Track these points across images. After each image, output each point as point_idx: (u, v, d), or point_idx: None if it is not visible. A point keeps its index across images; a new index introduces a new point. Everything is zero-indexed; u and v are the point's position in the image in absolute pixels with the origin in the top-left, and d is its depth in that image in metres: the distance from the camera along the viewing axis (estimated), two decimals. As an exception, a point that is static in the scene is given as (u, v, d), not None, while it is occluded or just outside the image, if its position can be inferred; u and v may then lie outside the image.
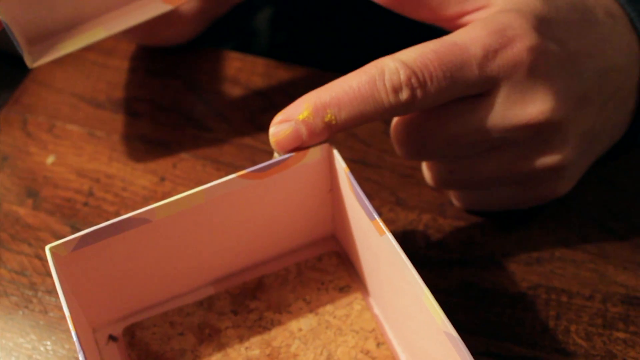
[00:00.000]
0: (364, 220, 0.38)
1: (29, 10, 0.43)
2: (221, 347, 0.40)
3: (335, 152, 0.39)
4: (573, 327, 0.41)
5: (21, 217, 0.47)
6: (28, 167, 0.50)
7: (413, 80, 0.37)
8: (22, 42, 0.43)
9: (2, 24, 0.42)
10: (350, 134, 0.50)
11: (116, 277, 0.39)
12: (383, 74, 0.37)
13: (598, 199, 0.46)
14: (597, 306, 0.42)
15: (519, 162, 0.40)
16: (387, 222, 0.46)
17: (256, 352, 0.40)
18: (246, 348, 0.40)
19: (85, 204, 0.48)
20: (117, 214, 0.47)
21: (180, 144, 0.50)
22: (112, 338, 0.41)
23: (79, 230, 0.44)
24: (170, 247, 0.40)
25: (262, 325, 0.41)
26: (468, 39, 0.37)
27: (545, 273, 0.43)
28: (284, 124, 0.38)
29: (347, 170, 0.38)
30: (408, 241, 0.45)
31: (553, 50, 0.38)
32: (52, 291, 0.44)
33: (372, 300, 0.42)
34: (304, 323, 0.41)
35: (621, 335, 0.41)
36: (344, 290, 0.42)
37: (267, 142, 0.38)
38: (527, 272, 0.44)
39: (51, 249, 0.36)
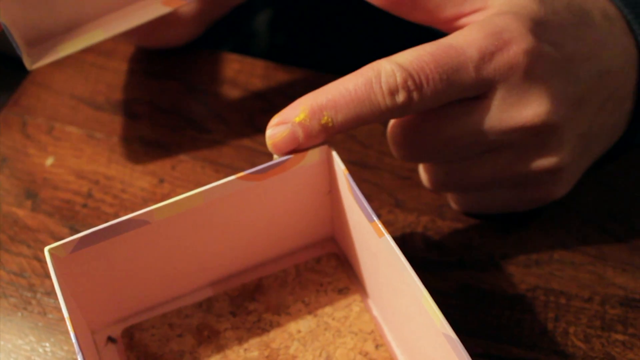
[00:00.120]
0: (363, 222, 0.38)
1: (28, 12, 0.43)
2: (220, 348, 0.40)
3: (334, 154, 0.39)
4: (572, 329, 0.41)
5: (20, 218, 0.47)
6: (27, 168, 0.50)
7: (409, 82, 0.37)
8: (21, 44, 0.43)
9: (2, 26, 0.42)
10: (349, 136, 0.50)
11: (115, 278, 0.39)
12: (379, 77, 0.37)
13: (597, 200, 0.46)
14: (595, 308, 0.42)
15: (516, 165, 0.40)
16: (386, 224, 0.46)
17: (255, 353, 0.40)
18: (245, 350, 0.40)
19: (84, 206, 0.48)
20: (116, 216, 0.47)
21: (179, 146, 0.50)
22: (110, 340, 0.41)
23: (78, 231, 0.44)
24: (169, 248, 0.40)
25: (261, 327, 0.41)
26: (464, 42, 0.37)
27: (544, 275, 0.43)
28: (280, 126, 0.38)
29: (346, 172, 0.38)
30: (407, 243, 0.45)
31: (549, 53, 0.38)
32: (51, 293, 0.44)
33: (371, 302, 0.42)
34: (302, 325, 0.41)
35: (620, 337, 0.41)
36: (342, 292, 0.42)
37: (266, 144, 0.38)
38: (525, 274, 0.44)
39: (50, 251, 0.36)
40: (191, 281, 0.42)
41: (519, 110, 0.38)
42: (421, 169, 0.44)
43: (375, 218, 0.36)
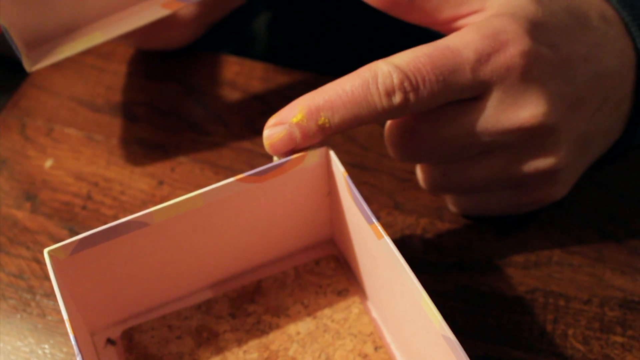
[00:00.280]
0: (362, 224, 0.38)
1: (28, 15, 0.43)
2: (219, 350, 0.40)
3: (334, 156, 0.39)
4: (571, 331, 0.41)
5: (19, 220, 0.47)
6: (26, 170, 0.50)
7: (406, 84, 0.37)
8: (20, 46, 0.43)
9: (1, 28, 0.42)
10: (348, 138, 0.50)
11: (114, 280, 0.39)
12: (376, 78, 0.37)
13: (595, 202, 0.46)
14: (594, 310, 0.42)
15: (512, 166, 0.40)
16: (385, 226, 0.46)
17: (254, 355, 0.40)
18: (244, 351, 0.40)
19: (84, 208, 0.48)
20: (116, 218, 0.47)
21: (178, 148, 0.50)
22: (110, 341, 0.41)
23: (77, 233, 0.44)
24: (168, 250, 0.40)
25: (260, 329, 0.41)
26: (461, 43, 0.38)
27: (543, 277, 0.44)
28: (277, 127, 0.38)
29: (346, 174, 0.38)
30: (406, 245, 0.45)
31: (546, 55, 0.38)
32: (50, 294, 0.44)
33: (370, 304, 0.42)
34: (302, 326, 0.41)
35: (619, 339, 0.41)
36: (342, 294, 0.42)
37: (265, 146, 0.39)
38: (524, 275, 0.44)
39: (49, 253, 0.36)
40: (190, 283, 0.42)
41: (515, 111, 0.38)
42: (418, 170, 0.44)
43: (374, 220, 0.36)
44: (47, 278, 0.45)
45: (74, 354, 0.42)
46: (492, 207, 0.44)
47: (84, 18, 0.45)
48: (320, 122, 0.38)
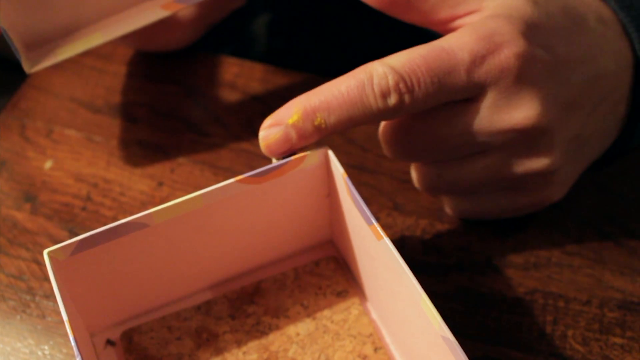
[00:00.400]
0: (362, 225, 0.38)
1: (27, 16, 0.43)
2: (219, 351, 0.40)
3: (333, 157, 0.39)
4: (570, 332, 0.41)
5: (19, 221, 0.47)
6: (26, 171, 0.50)
7: (401, 85, 0.37)
8: (20, 48, 0.43)
9: (0, 30, 0.42)
10: (348, 139, 0.50)
11: (114, 281, 0.39)
12: (372, 79, 0.37)
13: (594, 204, 0.46)
14: (594, 311, 0.42)
15: (506, 166, 0.40)
16: (385, 227, 0.46)
17: (254, 356, 0.40)
18: (244, 353, 0.40)
19: (83, 209, 0.48)
20: (115, 219, 0.47)
21: (178, 149, 0.50)
22: (109, 342, 0.41)
23: (77, 234, 0.44)
24: (168, 251, 0.40)
25: (259, 330, 0.41)
26: (456, 45, 0.38)
27: (542, 278, 0.44)
28: (273, 128, 0.38)
29: (345, 176, 0.38)
30: (405, 246, 0.45)
31: (541, 57, 0.38)
32: (50, 296, 0.44)
33: (369, 305, 0.42)
34: (301, 328, 0.41)
35: (618, 340, 0.41)
36: (341, 295, 0.42)
37: (264, 147, 0.39)
38: (524, 277, 0.44)
39: (49, 254, 0.36)
40: (190, 284, 0.42)
41: (509, 112, 0.38)
42: (413, 170, 0.44)
43: (374, 221, 0.36)
44: (47, 279, 0.45)
45: (73, 355, 0.42)
46: (489, 210, 0.44)
47: (84, 19, 0.45)
48: (316, 123, 0.38)
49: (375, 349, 0.40)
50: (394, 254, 0.35)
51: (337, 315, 0.41)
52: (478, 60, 0.37)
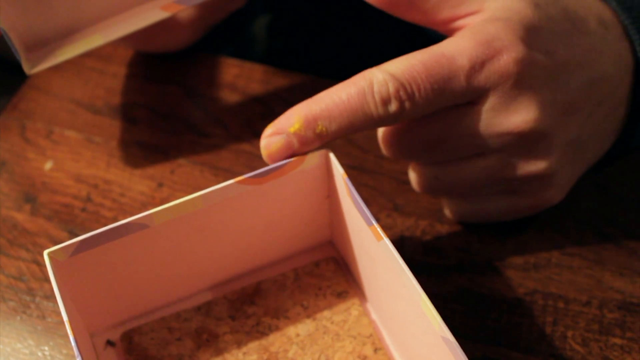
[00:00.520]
0: (362, 226, 0.38)
1: (27, 17, 0.43)
2: (219, 352, 0.40)
3: (333, 158, 0.39)
4: (570, 333, 0.42)
5: (19, 222, 0.47)
6: (26, 172, 0.50)
7: (401, 92, 0.37)
8: (20, 49, 0.43)
9: (1, 31, 0.42)
10: (347, 140, 0.50)
11: (114, 282, 0.39)
12: (372, 87, 0.37)
13: (594, 205, 0.46)
14: (593, 312, 0.42)
15: (504, 169, 0.41)
16: (385, 228, 0.46)
17: (254, 357, 0.40)
18: (244, 353, 0.40)
19: (83, 210, 0.48)
20: (115, 220, 0.47)
21: (178, 150, 0.50)
22: (109, 343, 0.41)
23: (77, 235, 0.44)
24: (168, 252, 0.40)
25: (259, 331, 0.41)
26: (455, 50, 0.38)
27: (542, 279, 0.44)
28: (275, 137, 0.38)
29: (345, 176, 0.38)
30: (405, 247, 0.45)
31: (540, 61, 0.38)
32: (50, 296, 0.44)
33: (369, 306, 0.42)
34: (301, 328, 0.41)
35: (618, 341, 0.41)
36: (341, 295, 0.42)
37: (264, 148, 0.39)
38: (523, 278, 0.44)
39: (49, 254, 0.36)
40: (190, 285, 0.42)
41: (507, 116, 0.38)
42: (411, 172, 0.44)
43: (374, 222, 0.36)
44: (47, 280, 0.45)
45: (73, 356, 0.42)
46: (488, 213, 0.44)
47: (84, 21, 0.45)
48: (317, 131, 0.38)
49: (375, 350, 0.40)
50: (394, 254, 0.35)
51: (337, 316, 0.41)
52: (477, 65, 0.38)
